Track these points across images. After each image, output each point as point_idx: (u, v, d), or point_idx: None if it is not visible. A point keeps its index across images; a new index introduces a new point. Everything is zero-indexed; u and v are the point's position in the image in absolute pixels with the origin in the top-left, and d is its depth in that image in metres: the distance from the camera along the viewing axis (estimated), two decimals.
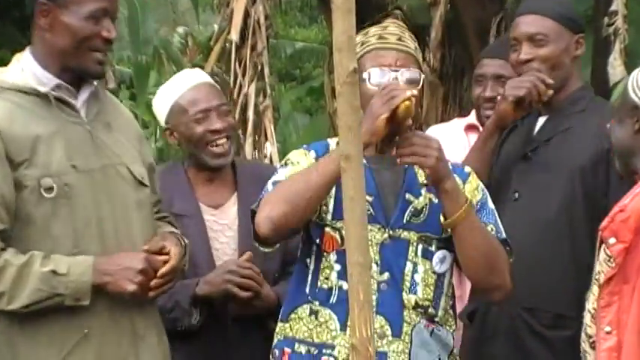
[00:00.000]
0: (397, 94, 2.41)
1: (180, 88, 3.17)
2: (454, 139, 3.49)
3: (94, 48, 2.59)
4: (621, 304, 2.31)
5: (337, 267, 2.53)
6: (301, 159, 2.61)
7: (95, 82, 2.74)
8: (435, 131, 3.48)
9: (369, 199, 2.47)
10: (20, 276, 2.46)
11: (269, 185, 2.57)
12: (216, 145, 3.10)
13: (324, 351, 2.50)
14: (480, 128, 3.51)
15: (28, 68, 2.62)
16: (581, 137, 2.96)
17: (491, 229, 2.62)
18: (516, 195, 3.02)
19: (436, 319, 2.56)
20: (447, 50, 4.58)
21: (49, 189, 2.52)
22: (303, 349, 2.55)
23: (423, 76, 2.64)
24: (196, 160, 3.16)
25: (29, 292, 2.47)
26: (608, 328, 2.32)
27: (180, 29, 8.98)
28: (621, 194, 2.45)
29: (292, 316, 2.57)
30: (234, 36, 4.44)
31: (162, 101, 3.24)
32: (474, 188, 2.63)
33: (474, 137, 3.48)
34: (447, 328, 2.62)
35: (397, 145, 2.46)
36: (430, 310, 2.54)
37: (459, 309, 2.99)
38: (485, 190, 2.68)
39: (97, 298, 2.54)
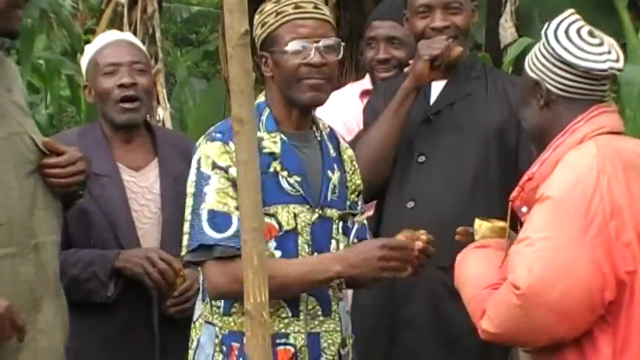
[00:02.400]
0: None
1: (98, 45, 3.19)
2: (349, 105, 3.48)
3: (18, 5, 2.56)
4: None
5: (278, 254, 2.52)
6: (222, 160, 2.51)
7: None
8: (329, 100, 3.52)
9: (298, 179, 2.51)
10: None
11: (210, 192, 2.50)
12: (124, 101, 3.08)
13: (277, 341, 2.46)
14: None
15: None
16: (485, 102, 3.06)
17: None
18: (422, 158, 3.06)
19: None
20: (341, 13, 4.55)
21: None
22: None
23: (341, 42, 2.62)
24: (107, 118, 3.14)
25: None
26: None
27: None
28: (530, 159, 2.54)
29: (234, 310, 2.51)
30: None
31: (84, 59, 3.26)
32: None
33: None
34: None
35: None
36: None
37: None
38: None
39: None
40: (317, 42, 2.48)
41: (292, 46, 2.45)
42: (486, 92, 3.07)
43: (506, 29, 4.88)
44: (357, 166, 2.73)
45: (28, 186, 2.59)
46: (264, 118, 2.56)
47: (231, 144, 2.49)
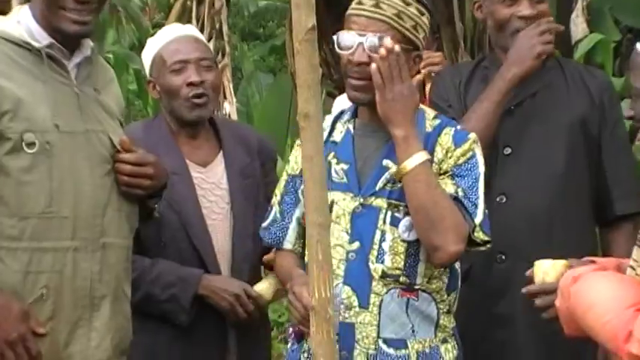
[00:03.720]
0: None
1: (163, 40, 3.22)
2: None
3: (62, 6, 2.62)
4: None
5: None
6: (292, 156, 2.74)
7: (90, 48, 2.79)
8: (340, 100, 3.55)
9: (345, 167, 2.56)
10: None
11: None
12: (194, 97, 3.14)
13: None
14: None
15: (24, 22, 2.63)
16: (566, 91, 3.07)
17: (459, 192, 2.59)
18: (508, 150, 3.08)
19: (416, 287, 2.56)
20: None
21: (31, 144, 2.57)
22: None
23: (391, 43, 2.57)
24: (174, 114, 3.20)
25: None
26: None
27: None
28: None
29: None
30: None
31: (147, 53, 3.30)
32: (461, 153, 2.61)
33: None
34: (435, 296, 2.61)
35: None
36: (402, 278, 2.54)
37: None
38: (478, 160, 2.63)
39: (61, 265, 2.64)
40: (363, 36, 2.52)
41: (339, 37, 2.55)
42: (566, 82, 3.08)
43: (578, 25, 4.85)
44: (454, 155, 2.64)
45: (103, 184, 2.66)
46: (348, 112, 2.67)
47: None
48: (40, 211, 2.60)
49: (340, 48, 2.53)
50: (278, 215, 2.75)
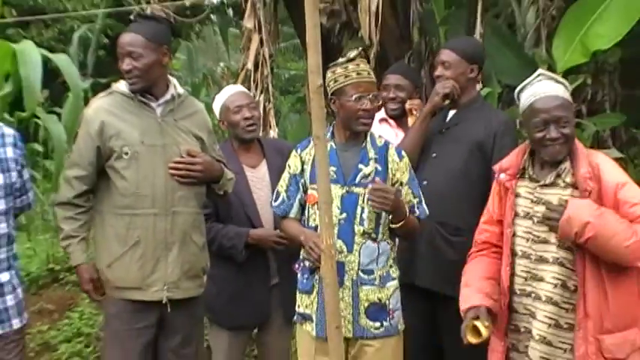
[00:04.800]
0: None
1: (226, 95, 4.03)
2: (373, 129, 3.98)
3: (120, 60, 3.36)
4: None
5: (318, 213, 3.03)
6: (292, 162, 3.36)
7: (171, 94, 3.45)
8: None
9: (334, 169, 3.17)
10: None
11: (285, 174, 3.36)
12: (248, 126, 3.90)
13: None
14: (388, 120, 4.30)
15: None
16: (475, 123, 3.71)
17: (417, 201, 3.32)
18: (434, 155, 3.76)
19: (377, 239, 3.21)
20: (377, 74, 5.40)
21: (126, 153, 3.32)
22: (306, 263, 3.28)
23: (380, 95, 3.38)
24: (237, 137, 3.95)
25: None
26: None
27: (221, 63, 11.53)
28: (499, 158, 3.21)
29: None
30: (251, 66, 5.32)
31: (217, 104, 4.04)
32: (406, 165, 3.33)
33: (384, 127, 4.26)
34: (387, 242, 3.26)
35: (368, 194, 3.09)
36: (372, 234, 3.21)
37: None
38: (411, 168, 3.36)
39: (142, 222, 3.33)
40: (368, 96, 3.19)
41: (354, 97, 3.17)
42: (478, 118, 3.72)
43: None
44: (399, 167, 3.29)
45: (172, 178, 3.39)
46: (329, 134, 3.26)
47: (298, 150, 3.37)
48: (132, 192, 3.33)
49: (356, 104, 3.15)
50: (285, 198, 3.37)
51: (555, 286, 2.83)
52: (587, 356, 2.75)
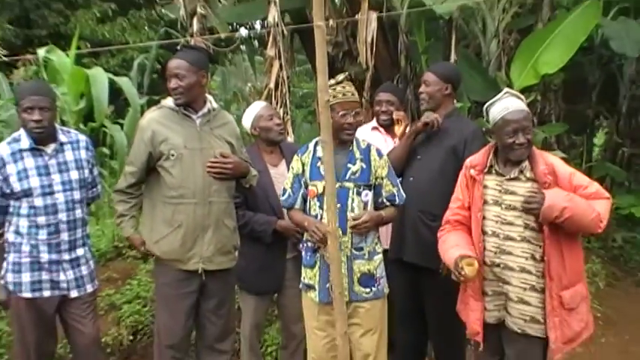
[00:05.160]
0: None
1: (258, 107, 3.99)
2: (365, 133, 4.03)
3: (169, 80, 3.37)
4: None
5: (317, 204, 3.24)
6: (294, 164, 3.36)
7: (208, 108, 3.44)
8: (359, 131, 3.79)
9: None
10: None
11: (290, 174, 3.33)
12: (280, 130, 3.90)
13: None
14: (379, 129, 4.23)
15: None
16: (451, 133, 3.65)
17: (395, 190, 3.30)
18: (419, 157, 3.74)
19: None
20: (372, 91, 5.25)
21: (173, 155, 3.33)
22: (309, 244, 3.31)
23: (361, 111, 3.38)
24: (269, 139, 3.89)
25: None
26: None
27: (248, 84, 11.08)
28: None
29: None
30: (272, 86, 5.32)
31: (249, 115, 3.97)
32: (385, 162, 3.30)
33: (375, 133, 4.21)
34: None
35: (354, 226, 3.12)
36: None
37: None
38: (390, 165, 3.33)
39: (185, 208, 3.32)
40: (351, 113, 3.19)
41: (340, 113, 3.17)
42: (454, 128, 3.67)
43: None
44: (380, 164, 3.27)
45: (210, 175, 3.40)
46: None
47: (299, 154, 3.34)
48: (178, 185, 3.34)
49: (341, 118, 3.16)
50: (290, 193, 3.34)
51: (526, 258, 2.93)
52: (554, 310, 2.87)
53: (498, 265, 3.00)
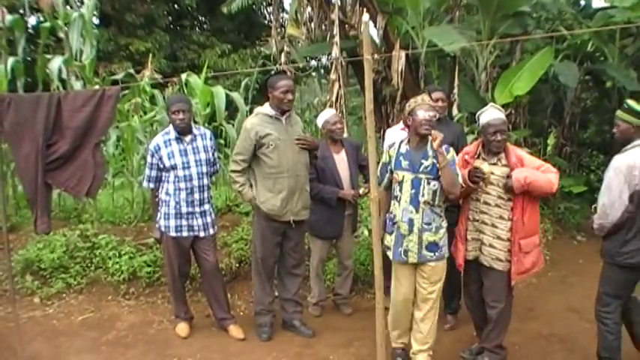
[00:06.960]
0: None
1: (327, 115, 3.77)
2: (397, 133, 3.57)
3: (279, 105, 3.24)
4: None
5: (397, 187, 2.90)
6: (385, 155, 2.95)
7: (289, 114, 3.30)
8: (392, 129, 3.67)
9: (407, 162, 2.83)
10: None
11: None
12: (340, 131, 3.74)
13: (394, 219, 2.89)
14: (406, 129, 3.23)
15: (268, 106, 3.29)
16: (447, 132, 3.12)
17: (457, 174, 2.78)
18: None
19: (434, 207, 2.85)
20: (401, 104, 5.02)
21: (271, 144, 3.21)
22: (391, 215, 2.92)
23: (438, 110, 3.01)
24: (332, 136, 3.73)
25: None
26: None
27: (316, 98, 8.91)
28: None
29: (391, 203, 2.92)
30: (334, 99, 5.32)
31: (321, 119, 3.79)
32: (450, 155, 2.81)
33: (405, 132, 3.30)
34: (439, 207, 2.87)
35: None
36: (430, 202, 2.84)
37: None
38: (455, 156, 2.83)
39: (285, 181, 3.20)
40: (430, 112, 2.82)
41: (420, 115, 2.80)
42: (447, 128, 3.35)
43: None
44: (447, 157, 2.77)
45: (298, 154, 3.30)
46: (405, 141, 2.90)
47: (389, 149, 2.94)
48: (275, 165, 3.22)
49: (420, 117, 2.77)
50: (379, 176, 2.85)
51: (497, 217, 2.89)
52: (515, 253, 2.85)
53: (477, 221, 2.94)
